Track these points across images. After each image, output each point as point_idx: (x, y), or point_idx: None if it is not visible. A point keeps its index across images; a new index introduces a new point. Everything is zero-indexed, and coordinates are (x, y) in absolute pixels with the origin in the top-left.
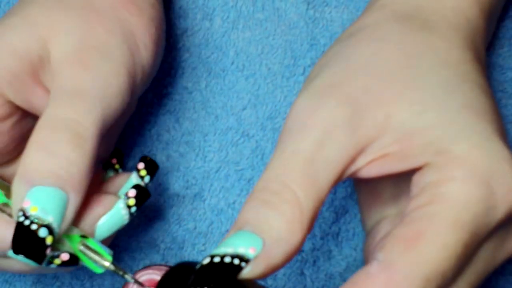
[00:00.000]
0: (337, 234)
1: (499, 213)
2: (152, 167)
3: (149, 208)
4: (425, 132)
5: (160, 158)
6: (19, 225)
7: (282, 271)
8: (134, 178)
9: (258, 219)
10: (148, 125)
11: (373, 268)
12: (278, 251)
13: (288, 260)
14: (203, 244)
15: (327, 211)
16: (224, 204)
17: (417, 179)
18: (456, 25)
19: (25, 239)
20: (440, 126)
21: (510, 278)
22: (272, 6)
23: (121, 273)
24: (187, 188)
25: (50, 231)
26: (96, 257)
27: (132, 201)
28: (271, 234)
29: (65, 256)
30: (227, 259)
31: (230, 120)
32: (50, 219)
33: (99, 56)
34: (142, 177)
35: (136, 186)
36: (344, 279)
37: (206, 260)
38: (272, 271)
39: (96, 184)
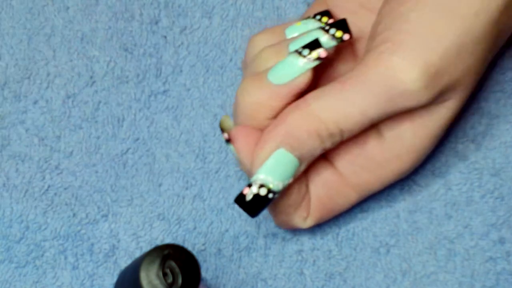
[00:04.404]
0: (337, 234)
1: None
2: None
3: (149, 208)
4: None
5: (159, 157)
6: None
7: (282, 271)
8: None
9: None
10: (146, 122)
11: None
12: None
13: None
14: (203, 244)
15: None
16: (224, 204)
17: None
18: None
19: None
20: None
21: (510, 278)
22: (271, 4)
23: None
24: (187, 189)
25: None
26: None
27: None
28: None
29: None
30: None
31: None
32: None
33: None
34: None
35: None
36: (344, 279)
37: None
38: None
39: None
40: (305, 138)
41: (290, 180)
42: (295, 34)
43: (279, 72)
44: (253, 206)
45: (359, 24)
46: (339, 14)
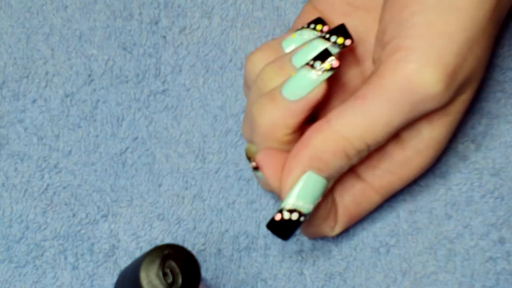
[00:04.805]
0: (337, 234)
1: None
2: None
3: (149, 208)
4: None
5: (159, 157)
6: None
7: (282, 271)
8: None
9: None
10: (145, 121)
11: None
12: None
13: None
14: (203, 244)
15: None
16: (223, 204)
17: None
18: None
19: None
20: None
21: (510, 278)
22: (271, 4)
23: None
24: (186, 189)
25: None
26: None
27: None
28: None
29: None
30: None
31: (230, 122)
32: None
33: None
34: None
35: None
36: (344, 279)
37: None
38: None
39: None
40: (332, 159)
41: (320, 199)
42: (293, 47)
43: (293, 88)
44: (285, 230)
45: (353, 24)
46: (331, 18)
